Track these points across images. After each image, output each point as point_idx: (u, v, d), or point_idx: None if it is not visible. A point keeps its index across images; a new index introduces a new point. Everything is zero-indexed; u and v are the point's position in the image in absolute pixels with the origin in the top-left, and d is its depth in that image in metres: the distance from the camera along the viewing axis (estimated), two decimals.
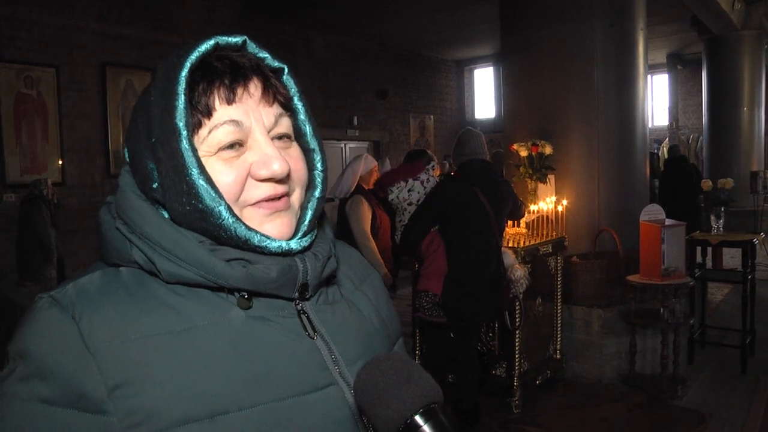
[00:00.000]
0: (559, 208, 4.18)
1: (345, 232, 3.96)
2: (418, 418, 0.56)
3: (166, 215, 0.67)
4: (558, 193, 4.44)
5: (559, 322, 4.18)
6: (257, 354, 0.65)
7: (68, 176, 6.67)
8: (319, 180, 0.74)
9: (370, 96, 10.93)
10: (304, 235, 0.71)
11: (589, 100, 4.55)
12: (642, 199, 4.76)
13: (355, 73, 10.54)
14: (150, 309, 0.64)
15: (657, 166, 8.81)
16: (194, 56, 0.65)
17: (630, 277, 3.98)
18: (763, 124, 10.01)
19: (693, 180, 7.75)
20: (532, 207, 4.15)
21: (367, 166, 4.16)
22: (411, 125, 11.95)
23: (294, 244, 0.69)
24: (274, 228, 0.68)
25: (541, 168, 4.30)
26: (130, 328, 0.62)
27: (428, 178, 3.72)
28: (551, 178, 4.41)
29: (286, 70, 0.72)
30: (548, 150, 4.27)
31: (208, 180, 0.64)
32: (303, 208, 0.73)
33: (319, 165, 0.74)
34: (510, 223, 3.99)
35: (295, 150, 0.71)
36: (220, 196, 0.64)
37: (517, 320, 3.69)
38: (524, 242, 3.86)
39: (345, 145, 10.65)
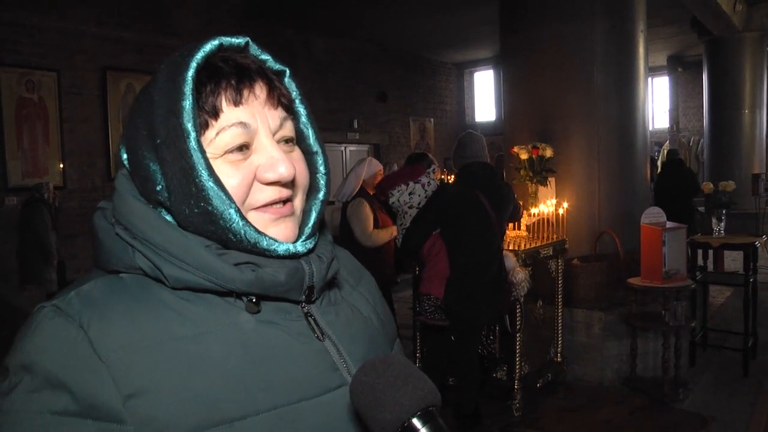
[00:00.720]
0: (560, 211, 4.17)
1: (347, 236, 3.95)
2: (415, 421, 0.56)
3: (169, 219, 0.66)
4: (558, 195, 4.44)
5: (559, 324, 4.17)
6: (269, 358, 0.65)
7: (69, 180, 6.69)
8: (322, 183, 0.74)
9: (370, 99, 10.95)
10: (308, 238, 0.71)
11: (590, 102, 4.55)
12: (643, 201, 4.76)
13: (355, 76, 10.55)
14: (158, 315, 0.63)
15: (653, 173, 8.80)
16: (200, 56, 0.64)
17: (631, 280, 3.97)
18: (764, 126, 9.99)
19: (687, 183, 7.76)
20: (533, 210, 4.15)
21: (371, 169, 4.15)
22: (411, 128, 11.96)
23: (300, 247, 0.68)
24: (279, 232, 0.67)
25: (541, 171, 4.29)
26: (140, 335, 0.61)
27: (429, 182, 3.72)
28: (552, 180, 4.40)
29: (288, 73, 0.72)
30: (549, 152, 4.26)
31: (218, 182, 0.63)
32: (306, 210, 0.72)
33: (321, 168, 0.74)
34: (510, 225, 3.99)
35: (297, 154, 0.71)
36: (230, 199, 0.63)
37: (517, 323, 3.68)
38: (525, 245, 3.85)
39: (345, 148, 10.66)
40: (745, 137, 9.77)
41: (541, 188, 4.35)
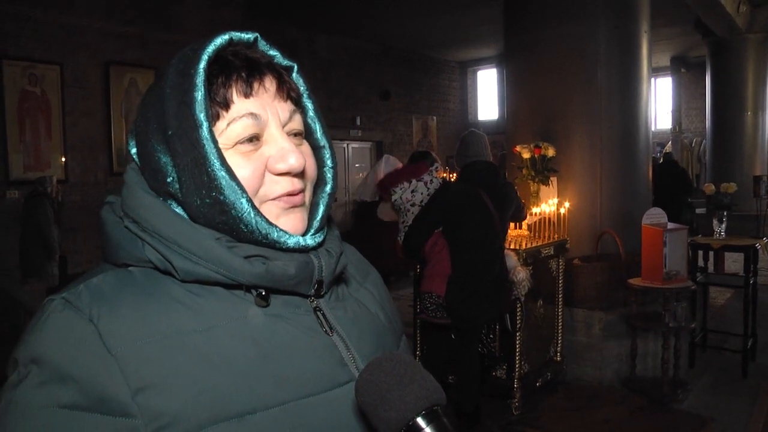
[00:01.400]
0: (561, 211, 4.17)
1: (365, 232, 3.96)
2: (420, 420, 0.56)
3: (179, 211, 0.66)
4: (560, 195, 4.44)
5: (560, 324, 4.18)
6: (279, 352, 0.65)
7: (71, 174, 6.69)
8: (329, 176, 0.75)
9: (373, 97, 10.94)
10: (316, 231, 0.71)
11: (592, 102, 4.54)
12: (644, 201, 4.75)
13: (358, 74, 10.55)
14: (168, 309, 0.63)
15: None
16: (211, 49, 0.65)
17: (632, 280, 3.98)
18: (767, 128, 9.97)
19: (679, 183, 7.79)
20: (534, 209, 4.15)
21: (389, 167, 4.17)
22: (414, 126, 11.96)
23: (309, 240, 0.69)
24: (289, 223, 0.68)
25: (543, 170, 4.29)
26: (150, 328, 0.61)
27: (431, 180, 3.72)
28: (553, 180, 4.40)
29: (296, 68, 0.73)
30: (551, 152, 4.26)
31: (230, 171, 0.63)
32: (314, 204, 0.73)
33: (329, 161, 0.75)
34: (512, 225, 3.99)
35: (306, 147, 0.72)
36: (242, 189, 0.63)
37: (518, 322, 3.68)
38: (526, 244, 3.86)
39: (348, 145, 10.66)
40: (748, 139, 9.74)
41: (542, 187, 4.35)
